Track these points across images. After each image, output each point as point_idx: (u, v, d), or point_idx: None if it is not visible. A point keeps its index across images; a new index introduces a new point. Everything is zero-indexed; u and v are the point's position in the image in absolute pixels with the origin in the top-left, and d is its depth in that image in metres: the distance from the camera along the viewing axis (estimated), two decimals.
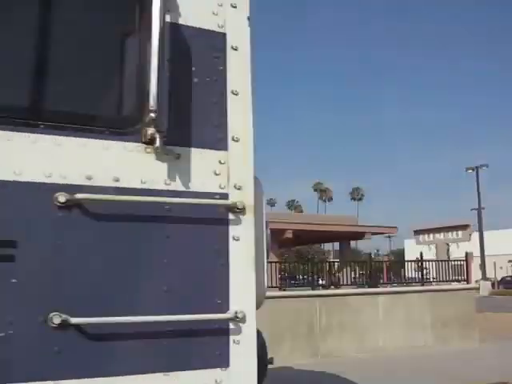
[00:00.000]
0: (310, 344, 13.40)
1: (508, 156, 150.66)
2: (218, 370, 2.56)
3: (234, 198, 2.70)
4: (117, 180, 2.48)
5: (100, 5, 2.74)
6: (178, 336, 2.51)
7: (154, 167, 2.56)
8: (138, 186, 2.52)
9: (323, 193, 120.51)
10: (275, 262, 18.09)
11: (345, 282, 17.84)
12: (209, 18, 2.79)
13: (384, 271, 20.74)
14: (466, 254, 18.04)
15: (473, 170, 61.05)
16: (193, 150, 2.67)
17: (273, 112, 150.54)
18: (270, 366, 3.99)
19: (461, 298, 15.75)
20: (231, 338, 2.60)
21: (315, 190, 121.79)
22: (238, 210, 2.68)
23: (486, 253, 57.61)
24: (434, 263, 18.35)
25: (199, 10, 2.79)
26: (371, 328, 14.20)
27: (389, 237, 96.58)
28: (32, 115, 2.48)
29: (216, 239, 2.66)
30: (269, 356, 3.98)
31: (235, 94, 2.79)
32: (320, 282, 18.40)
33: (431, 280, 17.95)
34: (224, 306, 2.60)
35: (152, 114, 2.41)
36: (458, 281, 17.98)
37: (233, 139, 2.76)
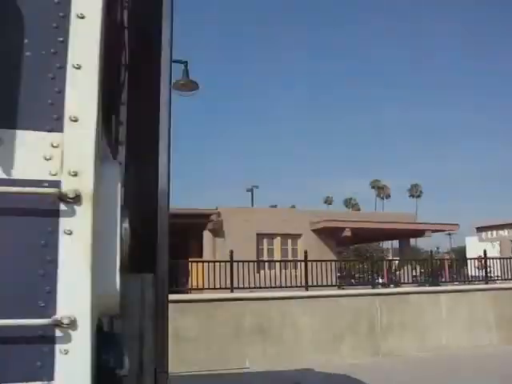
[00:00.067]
0: (370, 343, 13.30)
1: None
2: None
3: (67, 185, 2.33)
4: None
5: None
6: None
7: None
8: None
9: (381, 190, 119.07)
10: (333, 261, 18.03)
11: (405, 281, 17.63)
12: None
13: (445, 269, 20.35)
14: None
15: None
16: (18, 132, 2.33)
17: (331, 112, 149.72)
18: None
19: None
20: (57, 347, 2.22)
21: (373, 188, 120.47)
22: (70, 199, 2.31)
23: None
24: (498, 261, 17.91)
25: None
26: (433, 327, 13.98)
27: (449, 234, 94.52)
28: None
29: (42, 233, 2.29)
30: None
31: (77, 68, 2.44)
32: (380, 280, 18.24)
33: (495, 278, 17.51)
34: (48, 310, 2.21)
35: None
36: None
37: (70, 119, 2.39)
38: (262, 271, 15.45)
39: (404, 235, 34.18)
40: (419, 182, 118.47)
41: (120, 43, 3.43)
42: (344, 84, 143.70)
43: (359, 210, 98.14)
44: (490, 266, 17.64)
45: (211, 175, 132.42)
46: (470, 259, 19.57)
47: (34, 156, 2.32)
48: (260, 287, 14.12)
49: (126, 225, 2.68)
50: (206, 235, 30.04)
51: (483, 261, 17.79)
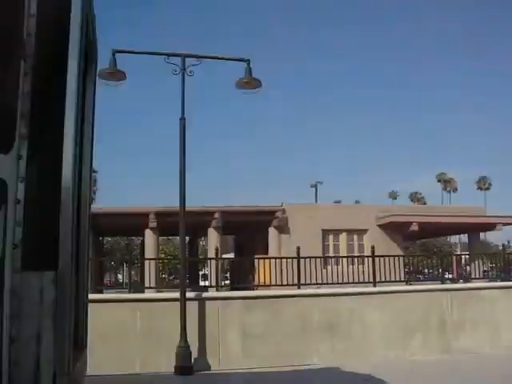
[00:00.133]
0: (441, 339, 13.05)
1: None
2: None
3: None
4: None
5: None
6: None
7: None
8: None
9: (447, 183, 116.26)
10: (401, 256, 17.78)
11: (475, 276, 17.20)
12: None
13: None
14: None
15: None
16: None
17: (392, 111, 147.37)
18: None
19: None
20: None
21: (439, 181, 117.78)
22: None
23: None
24: None
25: None
26: (507, 323, 13.59)
27: None
28: None
29: None
30: None
31: None
32: (448, 275, 17.87)
33: None
34: None
35: None
36: None
37: None
38: (328, 267, 15.40)
39: (473, 229, 33.34)
40: (487, 174, 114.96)
41: (19, 29, 3.27)
42: (411, 83, 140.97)
43: (425, 204, 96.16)
44: None
45: (275, 172, 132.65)
46: None
47: None
48: (327, 283, 14.08)
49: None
50: (272, 232, 30.16)
51: None
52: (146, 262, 15.92)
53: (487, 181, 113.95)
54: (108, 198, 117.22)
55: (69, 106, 3.45)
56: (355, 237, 30.73)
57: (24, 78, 3.25)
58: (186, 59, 11.72)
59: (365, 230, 30.36)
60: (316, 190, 48.43)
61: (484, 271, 18.37)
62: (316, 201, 45.43)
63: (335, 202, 48.52)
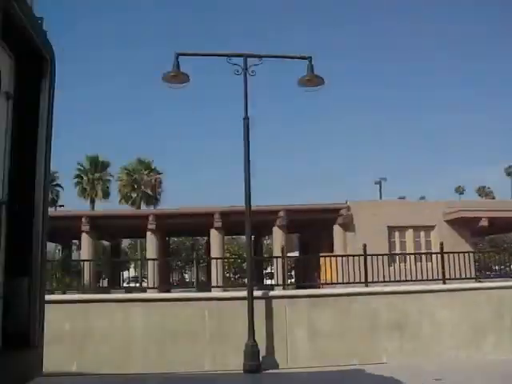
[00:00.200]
0: None
1: None
2: None
3: None
4: None
5: None
6: None
7: None
8: None
9: None
10: (471, 252, 17.34)
11: None
12: None
13: None
14: None
15: None
16: None
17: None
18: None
19: None
20: None
21: (508, 175, 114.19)
22: None
23: None
24: None
25: None
26: None
27: None
28: None
29: None
30: None
31: None
32: None
33: None
34: None
35: None
36: None
37: None
38: (394, 265, 15.18)
39: None
40: None
41: None
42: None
43: (494, 198, 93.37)
44: None
45: (338, 169, 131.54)
46: None
47: None
48: (395, 281, 13.88)
49: None
50: (337, 230, 29.99)
51: None
52: (213, 262, 16.06)
53: None
54: (173, 199, 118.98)
55: (42, 110, 3.81)
56: (422, 233, 30.17)
57: None
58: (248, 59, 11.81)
59: (432, 227, 29.77)
60: (380, 186, 47.83)
61: None
62: (380, 197, 44.85)
63: (399, 199, 47.70)
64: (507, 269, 16.77)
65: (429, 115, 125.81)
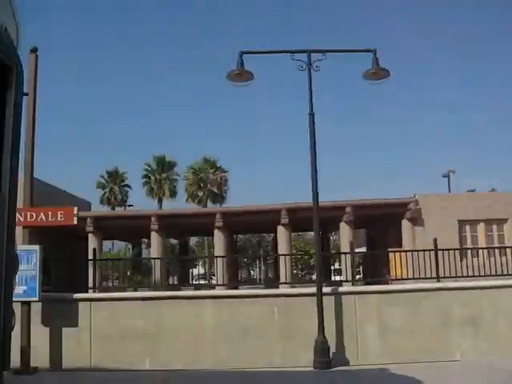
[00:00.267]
0: None
1: None
2: None
3: None
4: None
5: None
6: None
7: None
8: None
9: None
10: None
11: None
12: None
13: None
14: None
15: None
16: None
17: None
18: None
19: None
20: None
21: None
22: None
23: None
24: None
25: None
26: None
27: None
28: None
29: None
30: None
31: None
32: None
33: None
34: None
35: None
36: None
37: None
38: (466, 259, 14.80)
39: None
40: None
41: None
42: None
43: None
44: None
45: (403, 163, 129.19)
46: None
47: None
48: (467, 276, 13.53)
49: None
50: (405, 224, 29.55)
51: None
52: (280, 258, 16.08)
53: None
54: (238, 197, 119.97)
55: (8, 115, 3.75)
56: (494, 227, 29.34)
57: None
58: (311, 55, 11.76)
59: (505, 220, 28.91)
60: (448, 179, 46.67)
61: None
62: (449, 191, 43.80)
63: (469, 191, 46.42)
64: None
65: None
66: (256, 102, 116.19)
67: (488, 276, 13.47)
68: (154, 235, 31.90)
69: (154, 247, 32.39)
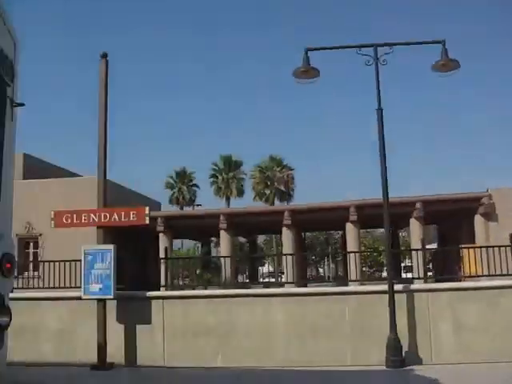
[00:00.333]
0: None
1: None
2: None
3: None
4: None
5: None
6: None
7: None
8: None
9: None
10: None
11: None
12: None
13: None
14: None
15: None
16: None
17: None
18: None
19: None
20: None
21: None
22: None
23: None
24: None
25: None
26: None
27: None
28: None
29: None
30: None
31: None
32: None
33: None
34: None
35: None
36: None
37: None
38: None
39: None
40: None
41: None
42: None
43: None
44: None
45: (475, 156, 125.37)
46: None
47: None
48: None
49: None
50: (478, 220, 28.74)
51: None
52: (352, 256, 15.91)
53: None
54: (305, 195, 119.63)
55: None
56: None
57: None
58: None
59: None
60: None
61: None
62: None
63: None
64: None
65: None
66: (320, 97, 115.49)
67: None
68: (222, 234, 32.24)
69: (223, 246, 32.75)
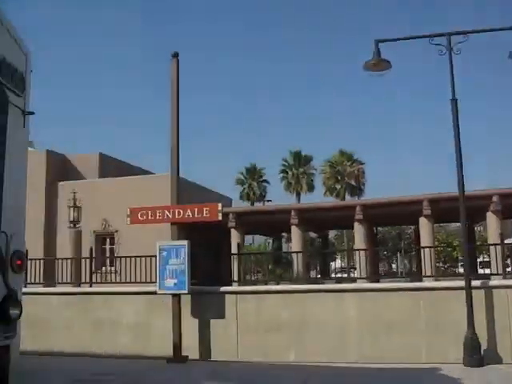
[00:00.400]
0: None
1: None
2: None
3: None
4: None
5: None
6: None
7: None
8: None
9: None
10: None
11: None
12: None
13: None
14: None
15: None
16: None
17: None
18: None
19: None
20: None
21: None
22: None
23: None
24: None
25: None
26: None
27: None
28: None
29: None
30: None
31: None
32: None
33: None
34: None
35: None
36: None
37: None
38: None
39: None
40: None
41: None
42: None
43: None
44: None
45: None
46: None
47: None
48: None
49: None
50: None
51: None
52: (426, 251, 15.53)
53: None
54: (376, 189, 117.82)
55: None
56: None
57: None
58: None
59: None
60: None
61: None
62: None
63: None
64: None
65: None
66: (389, 89, 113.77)
67: None
68: (294, 229, 32.19)
69: (295, 241, 32.70)
